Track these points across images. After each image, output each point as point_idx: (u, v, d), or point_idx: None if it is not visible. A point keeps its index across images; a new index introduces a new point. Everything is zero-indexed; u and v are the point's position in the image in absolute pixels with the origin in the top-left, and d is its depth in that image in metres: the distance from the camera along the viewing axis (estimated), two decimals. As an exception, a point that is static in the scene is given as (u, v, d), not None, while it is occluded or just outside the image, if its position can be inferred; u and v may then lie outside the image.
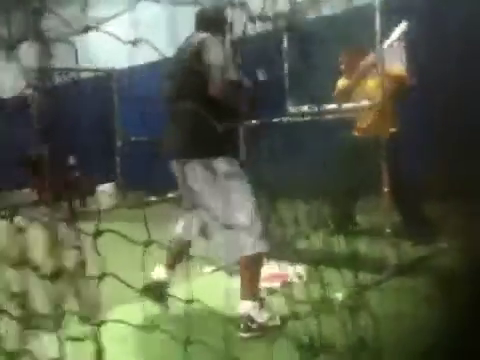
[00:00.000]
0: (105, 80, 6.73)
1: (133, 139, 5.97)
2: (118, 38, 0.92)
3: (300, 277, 2.15)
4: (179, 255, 2.60)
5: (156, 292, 2.51)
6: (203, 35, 2.34)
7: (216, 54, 2.22)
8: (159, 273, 2.58)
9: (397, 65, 3.55)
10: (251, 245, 2.25)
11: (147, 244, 0.83)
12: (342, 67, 3.74)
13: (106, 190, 6.31)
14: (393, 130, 3.42)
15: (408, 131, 3.64)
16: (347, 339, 1.10)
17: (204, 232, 2.53)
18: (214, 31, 2.39)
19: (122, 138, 6.46)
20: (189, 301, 0.86)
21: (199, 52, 2.24)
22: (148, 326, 1.38)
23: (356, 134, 3.79)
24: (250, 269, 2.30)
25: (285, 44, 3.50)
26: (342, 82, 3.79)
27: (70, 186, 5.70)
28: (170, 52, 2.29)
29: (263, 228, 2.30)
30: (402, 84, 3.47)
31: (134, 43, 0.84)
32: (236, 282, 2.33)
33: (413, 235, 3.47)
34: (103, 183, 6.40)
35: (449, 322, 1.52)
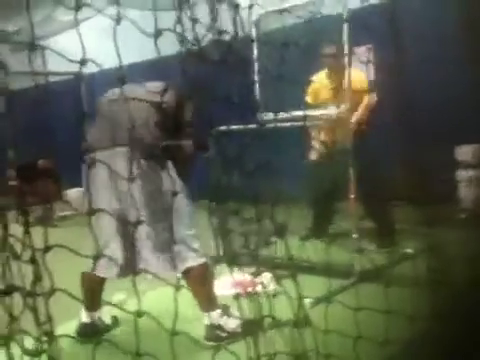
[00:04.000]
0: (74, 84, 6.61)
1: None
2: (60, 54, 0.92)
3: (265, 284, 2.16)
4: (98, 292, 2.40)
5: (89, 333, 2.37)
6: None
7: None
8: (86, 316, 2.42)
9: (359, 72, 3.63)
10: (192, 257, 2.22)
11: (96, 258, 0.82)
12: (323, 60, 3.76)
13: (74, 195, 6.20)
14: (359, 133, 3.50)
15: (378, 135, 3.73)
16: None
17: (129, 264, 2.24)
18: None
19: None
20: (140, 314, 0.85)
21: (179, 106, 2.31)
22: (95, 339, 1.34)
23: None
24: (198, 281, 2.25)
25: (255, 52, 3.53)
26: (317, 80, 3.84)
27: (36, 192, 5.57)
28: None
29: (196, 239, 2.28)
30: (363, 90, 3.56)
31: (81, 63, 0.83)
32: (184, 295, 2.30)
33: (383, 241, 3.54)
34: (71, 188, 6.29)
35: (415, 329, 1.56)
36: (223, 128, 3.11)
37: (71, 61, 0.87)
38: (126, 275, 2.24)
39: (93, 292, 2.39)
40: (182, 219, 2.24)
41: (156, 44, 0.76)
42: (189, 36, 0.95)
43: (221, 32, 1.03)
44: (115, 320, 2.55)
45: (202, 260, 2.25)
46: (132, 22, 0.82)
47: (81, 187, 6.92)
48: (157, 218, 2.16)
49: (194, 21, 0.92)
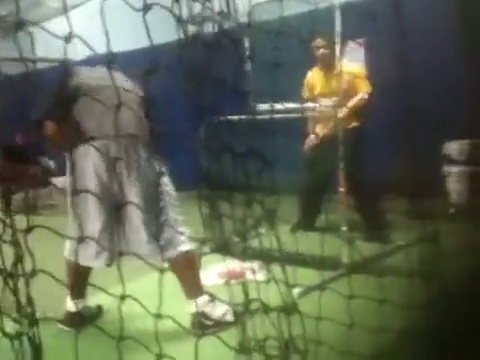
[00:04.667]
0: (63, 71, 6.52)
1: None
2: (51, 33, 0.89)
3: (254, 274, 2.17)
4: (83, 279, 2.34)
5: (75, 322, 2.31)
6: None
7: None
8: (71, 305, 2.37)
9: (355, 64, 3.63)
10: (181, 243, 2.23)
11: (80, 240, 0.80)
12: (317, 55, 3.73)
13: (61, 183, 6.14)
14: (354, 125, 3.51)
15: (369, 129, 3.74)
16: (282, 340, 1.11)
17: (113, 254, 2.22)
18: None
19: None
20: (122, 297, 0.83)
21: None
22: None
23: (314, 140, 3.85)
24: (186, 267, 2.25)
25: (247, 42, 3.49)
26: (311, 74, 3.83)
27: (22, 178, 5.51)
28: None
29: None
30: (361, 84, 3.56)
31: (67, 39, 0.80)
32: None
33: (370, 233, 3.55)
34: (58, 176, 6.22)
35: (402, 322, 1.56)
36: (215, 117, 3.08)
37: (56, 37, 0.85)
38: (112, 263, 2.22)
39: (79, 280, 2.36)
40: (170, 205, 2.26)
41: (145, 19, 0.73)
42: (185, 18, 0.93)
43: (215, 13, 1.00)
44: (100, 309, 2.53)
45: (191, 245, 2.26)
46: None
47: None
48: (149, 204, 2.17)
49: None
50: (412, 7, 4.14)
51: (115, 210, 2.16)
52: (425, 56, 4.15)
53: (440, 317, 1.64)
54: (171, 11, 0.83)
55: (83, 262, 2.22)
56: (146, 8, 0.73)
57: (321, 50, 3.65)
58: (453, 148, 4.08)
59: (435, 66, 4.02)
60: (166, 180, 2.29)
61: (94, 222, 2.18)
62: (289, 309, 1.07)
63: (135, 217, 2.17)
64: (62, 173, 6.32)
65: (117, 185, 2.13)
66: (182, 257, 2.24)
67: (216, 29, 1.09)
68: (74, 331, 2.27)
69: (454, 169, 4.02)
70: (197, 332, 2.20)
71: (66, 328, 2.33)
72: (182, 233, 2.25)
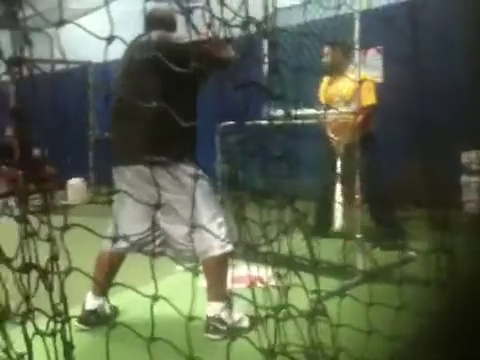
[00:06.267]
0: (81, 73, 6.60)
1: (107, 135, 5.88)
2: (93, 34, 0.90)
3: (271, 280, 2.17)
4: (111, 275, 2.38)
5: (91, 321, 2.35)
6: (160, 32, 2.25)
7: (184, 35, 2.14)
8: (91, 303, 2.39)
9: (368, 73, 3.61)
10: (217, 246, 2.23)
11: (115, 239, 0.81)
12: (326, 63, 3.73)
13: (76, 185, 6.19)
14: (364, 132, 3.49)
15: (386, 137, 3.72)
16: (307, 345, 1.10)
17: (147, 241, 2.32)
18: (167, 30, 2.32)
19: (95, 133, 6.37)
20: (155, 298, 0.83)
21: (165, 45, 2.08)
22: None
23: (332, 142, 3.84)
24: (217, 270, 2.27)
25: (265, 47, 3.50)
26: (326, 81, 3.83)
27: (40, 178, 5.56)
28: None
29: (229, 229, 2.28)
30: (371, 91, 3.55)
31: (109, 40, 0.82)
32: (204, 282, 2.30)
33: (387, 242, 3.53)
34: (74, 177, 6.28)
35: (416, 330, 1.54)
36: (232, 123, 3.10)
37: (99, 38, 0.86)
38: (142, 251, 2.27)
39: (108, 272, 2.37)
40: (207, 207, 2.25)
41: (189, 21, 0.74)
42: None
43: (250, 18, 1.01)
44: (115, 310, 2.53)
45: (226, 249, 2.25)
46: None
47: (82, 176, 6.89)
48: (181, 209, 2.19)
49: (222, 3, 0.90)
50: (430, 14, 4.15)
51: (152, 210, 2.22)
52: (445, 64, 4.14)
53: (454, 325, 1.62)
54: (208, 10, 0.84)
55: (118, 247, 2.27)
56: (189, 11, 0.74)
57: (329, 59, 3.65)
58: (471, 158, 4.05)
59: (455, 74, 3.99)
60: (200, 183, 2.23)
61: (133, 219, 2.30)
62: (318, 314, 1.06)
63: (165, 220, 2.26)
64: (77, 174, 6.36)
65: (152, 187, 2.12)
66: (212, 261, 2.24)
67: (249, 33, 1.10)
68: (90, 329, 2.30)
69: (472, 179, 3.98)
70: (210, 336, 2.21)
71: (83, 327, 2.34)
72: (216, 237, 2.22)
